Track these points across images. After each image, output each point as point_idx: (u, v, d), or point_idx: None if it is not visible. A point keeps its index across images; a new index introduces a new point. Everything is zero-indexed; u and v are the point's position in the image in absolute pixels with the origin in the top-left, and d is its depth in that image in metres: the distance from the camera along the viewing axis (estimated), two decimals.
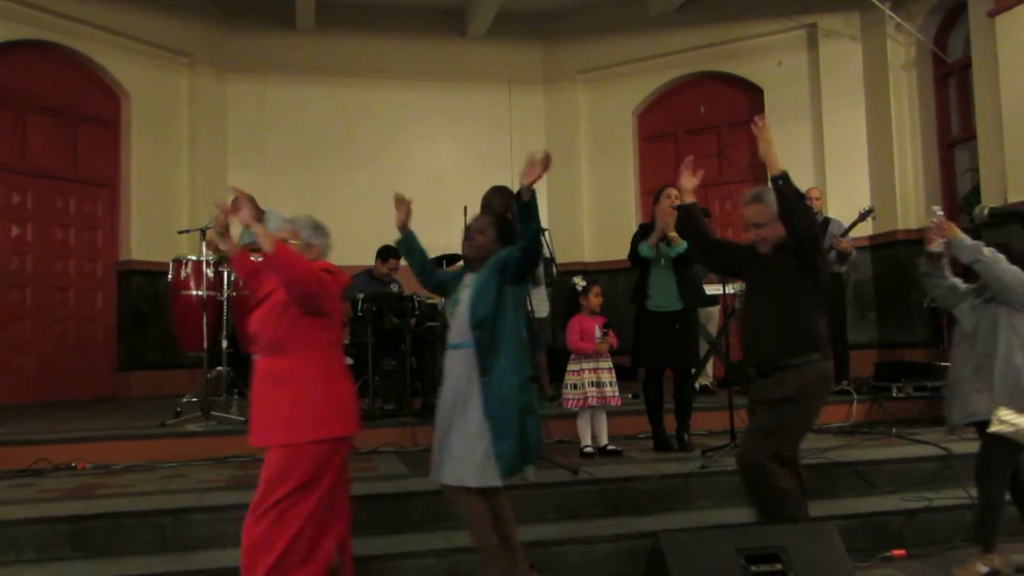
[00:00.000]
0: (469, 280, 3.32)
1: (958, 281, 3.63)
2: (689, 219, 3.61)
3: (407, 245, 3.57)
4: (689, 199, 3.57)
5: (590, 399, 4.77)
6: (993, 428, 3.28)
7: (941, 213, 3.56)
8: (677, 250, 4.88)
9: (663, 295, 4.87)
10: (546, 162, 3.16)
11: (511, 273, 3.19)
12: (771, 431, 3.22)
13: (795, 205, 3.23)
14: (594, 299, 4.93)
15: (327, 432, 2.94)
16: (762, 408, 3.31)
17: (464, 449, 3.10)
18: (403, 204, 3.55)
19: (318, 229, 3.23)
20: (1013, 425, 3.23)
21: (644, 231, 5.17)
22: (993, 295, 3.43)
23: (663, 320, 4.84)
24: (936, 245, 3.54)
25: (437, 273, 3.60)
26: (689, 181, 3.57)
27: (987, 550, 3.41)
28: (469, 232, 3.36)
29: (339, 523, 3.03)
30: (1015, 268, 3.33)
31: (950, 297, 3.59)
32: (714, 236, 3.70)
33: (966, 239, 3.42)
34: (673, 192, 5.17)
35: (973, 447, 4.71)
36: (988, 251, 3.35)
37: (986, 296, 3.48)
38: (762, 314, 3.35)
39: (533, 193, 3.13)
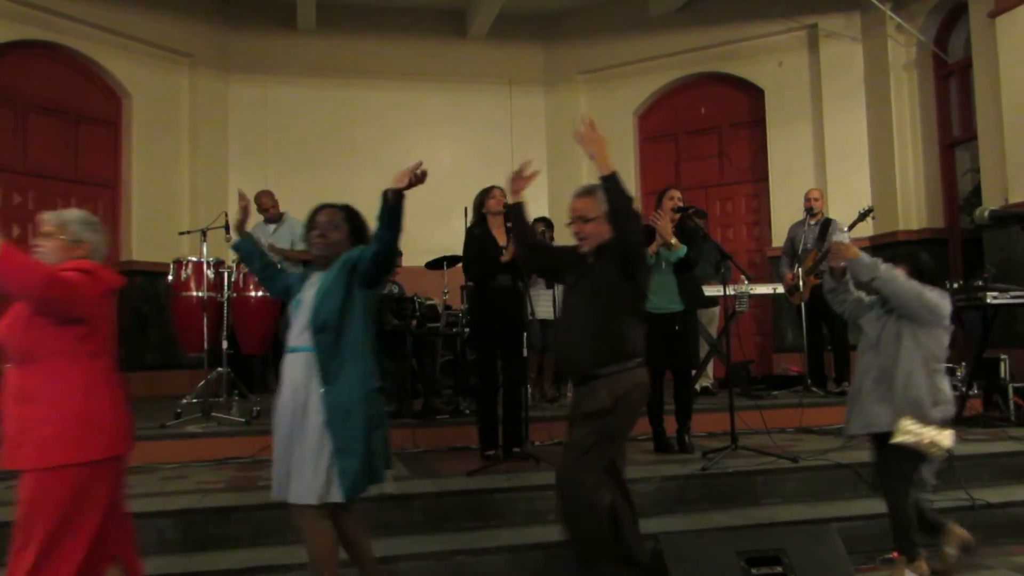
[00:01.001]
0: (316, 279, 3.07)
1: (862, 294, 3.64)
2: (515, 218, 3.53)
3: (246, 249, 3.30)
4: (515, 199, 3.52)
5: None
6: (898, 438, 3.27)
7: (842, 234, 3.59)
8: (677, 255, 4.88)
9: (663, 296, 4.86)
10: (421, 174, 3.15)
11: (363, 274, 2.96)
12: (589, 447, 3.06)
13: (624, 207, 3.08)
14: None
15: (82, 455, 2.56)
16: (578, 421, 3.16)
17: (303, 464, 2.84)
18: (244, 202, 3.33)
19: (89, 224, 2.81)
20: (917, 435, 3.23)
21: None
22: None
23: (663, 321, 4.83)
24: (838, 262, 3.57)
25: (280, 276, 3.32)
26: (520, 183, 3.53)
27: (911, 558, 3.35)
28: (319, 227, 3.10)
29: (119, 546, 2.74)
30: (913, 285, 3.34)
31: (856, 310, 3.60)
32: (539, 237, 3.65)
33: (864, 258, 3.46)
34: (676, 194, 5.21)
35: (973, 448, 4.74)
36: (884, 268, 3.38)
37: (888, 307, 3.49)
38: (578, 320, 3.21)
39: (399, 198, 3.00)
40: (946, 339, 3.40)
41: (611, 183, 3.08)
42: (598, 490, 3.05)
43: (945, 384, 3.39)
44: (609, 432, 3.09)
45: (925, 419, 3.25)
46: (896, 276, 3.36)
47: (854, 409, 3.46)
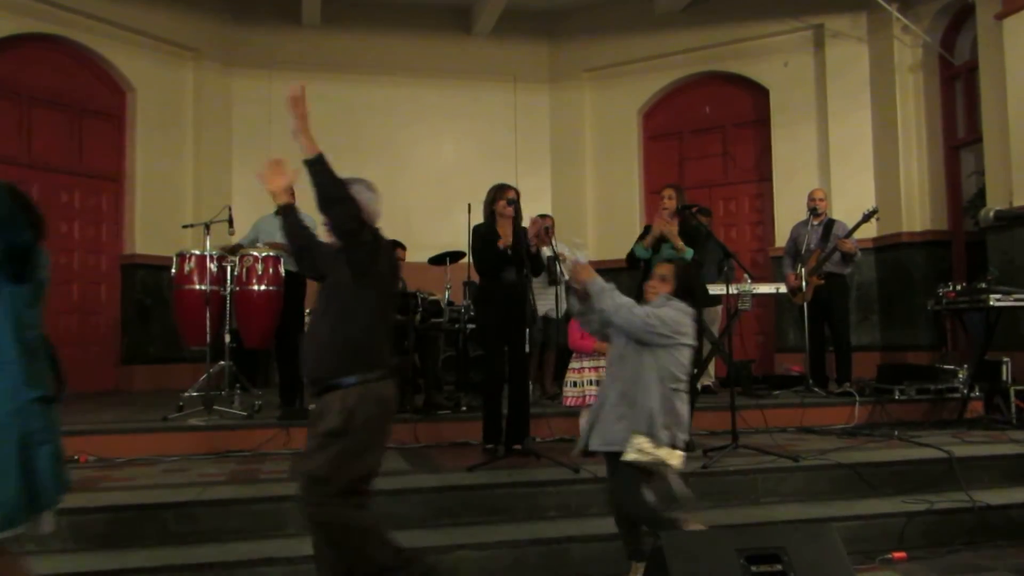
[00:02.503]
0: None
1: None
2: (287, 221, 3.15)
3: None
4: (283, 200, 3.14)
5: (588, 397, 4.78)
6: (630, 456, 3.07)
7: (577, 256, 3.29)
8: (683, 258, 4.96)
9: None
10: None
11: (5, 267, 2.39)
12: (326, 477, 2.80)
13: (330, 193, 2.86)
14: None
15: None
16: (313, 439, 2.91)
17: None
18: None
19: None
20: (650, 455, 3.08)
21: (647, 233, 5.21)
22: None
23: None
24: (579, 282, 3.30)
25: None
26: (276, 182, 3.15)
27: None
28: None
29: None
30: (638, 315, 3.11)
31: (604, 328, 3.33)
32: (315, 238, 3.20)
33: (597, 282, 3.21)
34: (667, 192, 5.25)
35: (974, 450, 4.74)
36: (611, 300, 3.15)
37: None
38: (315, 324, 3.01)
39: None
40: (686, 357, 3.22)
41: (315, 166, 2.90)
42: (355, 514, 2.86)
43: (682, 405, 3.21)
44: (343, 456, 2.82)
45: (656, 438, 3.08)
46: (620, 308, 3.13)
47: (596, 424, 3.23)
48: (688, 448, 3.32)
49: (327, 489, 2.81)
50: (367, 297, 2.94)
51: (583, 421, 4.88)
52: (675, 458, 3.14)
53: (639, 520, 3.22)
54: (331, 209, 2.90)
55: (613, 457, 3.16)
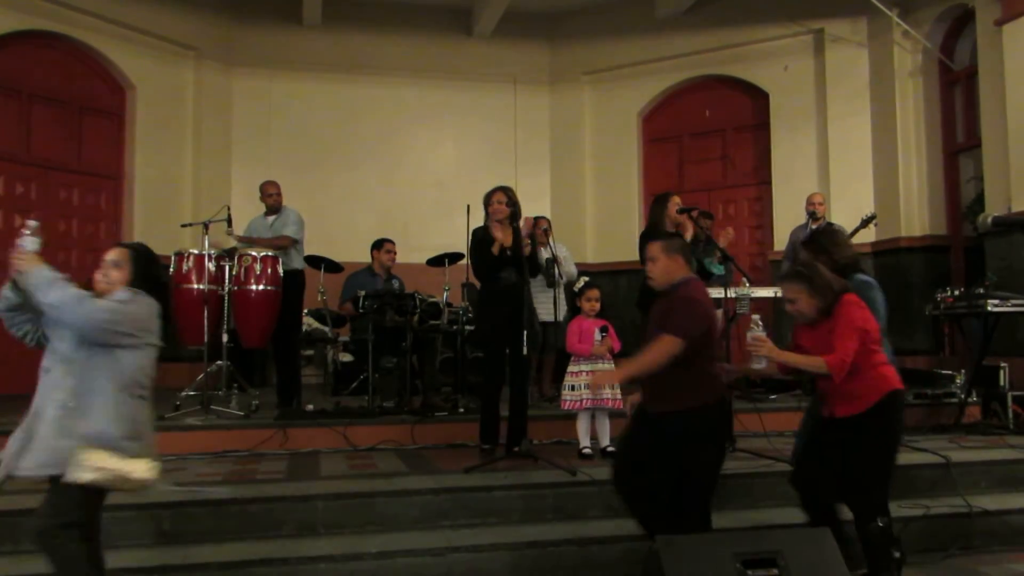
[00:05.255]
0: None
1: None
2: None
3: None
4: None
5: (584, 401, 4.79)
6: (85, 476, 2.59)
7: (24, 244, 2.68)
8: (717, 268, 5.28)
9: None
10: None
11: None
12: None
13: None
14: (585, 303, 4.96)
15: None
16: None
17: None
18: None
19: None
20: (108, 471, 2.62)
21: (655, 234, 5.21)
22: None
23: None
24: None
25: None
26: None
27: None
28: None
29: None
30: (104, 308, 2.67)
31: (40, 328, 2.81)
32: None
33: (42, 272, 2.67)
34: (676, 199, 5.30)
35: (971, 455, 4.74)
36: (57, 291, 2.64)
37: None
38: None
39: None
40: (148, 359, 2.79)
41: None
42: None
43: (143, 411, 2.78)
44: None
45: (117, 451, 2.64)
46: (68, 301, 2.62)
47: (30, 444, 2.66)
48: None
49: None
50: None
51: (580, 424, 4.89)
52: (142, 470, 2.70)
53: (57, 558, 2.68)
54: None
55: (54, 480, 2.65)
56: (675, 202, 5.23)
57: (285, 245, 6.08)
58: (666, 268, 3.42)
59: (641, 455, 3.35)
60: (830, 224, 6.89)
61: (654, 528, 3.20)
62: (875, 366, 3.29)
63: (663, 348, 3.19)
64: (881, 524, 3.28)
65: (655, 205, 5.32)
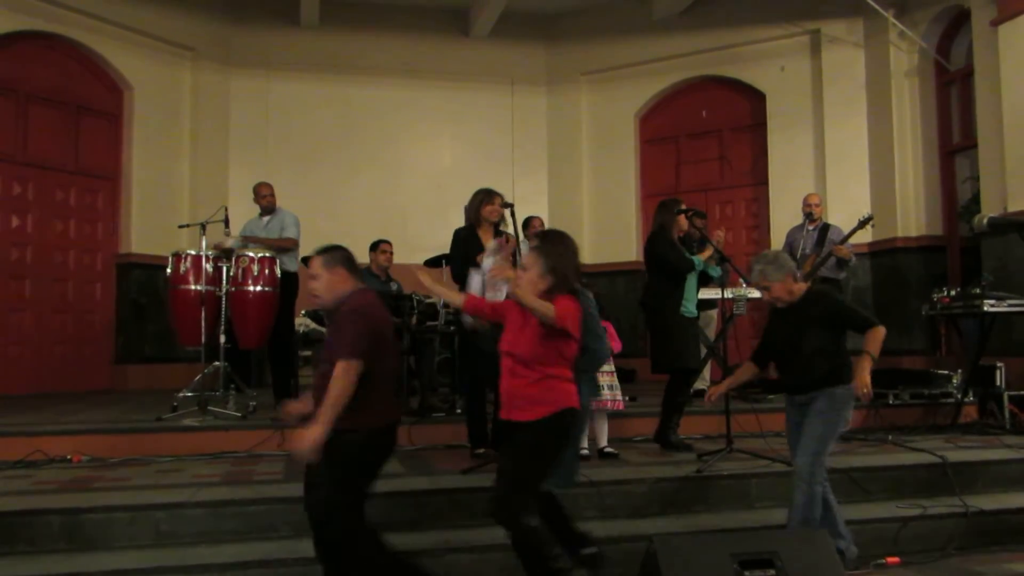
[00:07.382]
0: None
1: None
2: None
3: None
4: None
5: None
6: None
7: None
8: (715, 270, 5.34)
9: (694, 301, 5.18)
10: None
11: None
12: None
13: None
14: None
15: None
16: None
17: None
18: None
19: None
20: None
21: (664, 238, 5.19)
22: None
23: (694, 324, 5.19)
24: None
25: None
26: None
27: None
28: None
29: None
30: None
31: None
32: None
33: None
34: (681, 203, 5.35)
35: (968, 455, 4.75)
36: None
37: None
38: None
39: None
40: None
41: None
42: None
43: None
44: None
45: None
46: None
47: None
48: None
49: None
50: None
51: None
52: None
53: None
54: None
55: None
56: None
57: (289, 247, 6.10)
58: (329, 284, 3.11)
59: (314, 475, 3.07)
60: (827, 225, 6.91)
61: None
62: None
63: (341, 379, 2.89)
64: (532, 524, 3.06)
65: (663, 209, 5.26)
